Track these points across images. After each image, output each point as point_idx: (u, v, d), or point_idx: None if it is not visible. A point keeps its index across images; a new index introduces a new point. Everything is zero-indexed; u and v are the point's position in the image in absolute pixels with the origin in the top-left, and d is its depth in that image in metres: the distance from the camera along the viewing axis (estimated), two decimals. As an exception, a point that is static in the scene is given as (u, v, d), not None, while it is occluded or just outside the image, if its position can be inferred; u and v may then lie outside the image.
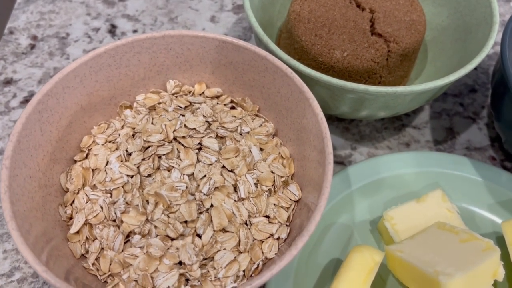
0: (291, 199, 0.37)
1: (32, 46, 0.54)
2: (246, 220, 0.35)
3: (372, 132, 0.49)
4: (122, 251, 0.34)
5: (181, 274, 0.33)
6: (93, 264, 0.34)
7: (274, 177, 0.38)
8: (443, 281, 0.31)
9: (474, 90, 0.52)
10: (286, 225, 0.36)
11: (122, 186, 0.35)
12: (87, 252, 0.35)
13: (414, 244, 0.35)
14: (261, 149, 0.39)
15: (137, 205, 0.34)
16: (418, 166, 0.43)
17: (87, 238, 0.35)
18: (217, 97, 0.43)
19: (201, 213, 0.34)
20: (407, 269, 0.34)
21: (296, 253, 0.30)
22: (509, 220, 0.38)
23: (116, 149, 0.38)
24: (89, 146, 0.39)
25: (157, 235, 0.33)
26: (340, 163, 0.47)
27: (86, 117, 0.40)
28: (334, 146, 0.48)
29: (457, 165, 0.43)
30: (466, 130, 0.49)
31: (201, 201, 0.35)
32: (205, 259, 0.34)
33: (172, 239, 0.34)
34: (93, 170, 0.37)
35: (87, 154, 0.39)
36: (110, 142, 0.39)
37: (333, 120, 0.50)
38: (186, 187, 0.34)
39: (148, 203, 0.34)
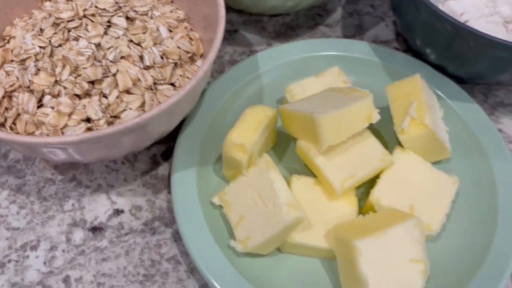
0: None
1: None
2: (151, 86, 0.39)
3: (287, 31, 0.52)
4: (36, 113, 0.37)
5: (89, 128, 0.37)
6: (11, 128, 0.38)
7: (180, 52, 0.41)
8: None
9: (385, -6, 0.56)
10: (191, 92, 0.40)
11: (35, 56, 0.38)
12: (5, 120, 0.38)
13: (304, 101, 0.39)
14: (171, 31, 0.43)
15: (46, 68, 0.37)
16: (321, 51, 0.47)
17: (6, 108, 0.38)
18: (132, -9, 0.46)
19: (107, 77, 0.38)
20: (294, 118, 0.38)
21: (195, 83, 0.34)
22: (392, 84, 0.42)
23: (33, 30, 0.41)
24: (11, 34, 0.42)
25: (66, 95, 0.37)
26: (256, 57, 0.50)
27: (7, 8, 0.43)
28: (251, 43, 0.51)
29: (357, 48, 0.47)
30: (374, 27, 0.53)
31: (107, 67, 0.38)
32: (112, 117, 0.37)
33: (80, 99, 0.37)
34: (12, 50, 0.40)
35: (9, 41, 0.42)
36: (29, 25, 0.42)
37: (252, 21, 0.53)
38: (93, 53, 0.38)
39: (57, 67, 0.37)
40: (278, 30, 0.52)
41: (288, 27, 0.53)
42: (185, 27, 0.43)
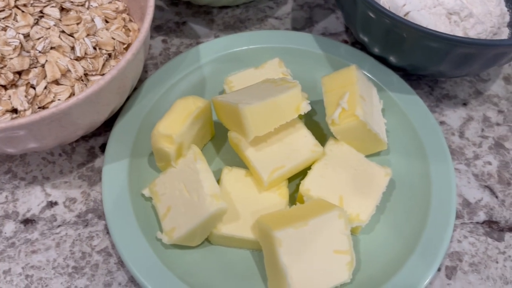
0: (132, 63, 0.41)
1: None
2: (81, 76, 0.38)
3: (236, 23, 0.52)
4: (-38, 106, 0.37)
5: (14, 118, 0.36)
6: None
7: (114, 43, 0.41)
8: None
9: (338, -14, 0.56)
10: (124, 83, 0.40)
11: (-37, 47, 0.38)
12: None
13: (236, 93, 0.39)
14: (108, 22, 0.42)
15: (-28, 59, 0.37)
16: (264, 43, 0.47)
17: None
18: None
19: (35, 67, 0.37)
20: (224, 110, 0.38)
21: (116, 73, 0.33)
22: (328, 75, 0.42)
23: (-36, 20, 0.40)
24: None
25: (-9, 86, 0.36)
26: (203, 49, 0.50)
27: None
28: (199, 35, 0.51)
29: (300, 40, 0.47)
30: (324, 19, 0.53)
31: (36, 57, 0.38)
32: (40, 108, 0.37)
33: (6, 89, 0.37)
34: None
35: None
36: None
37: (201, 13, 0.53)
38: (20, 43, 0.37)
39: (-17, 58, 0.37)
40: (227, 23, 0.52)
41: (237, 20, 0.52)
42: (123, 18, 0.43)
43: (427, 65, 0.42)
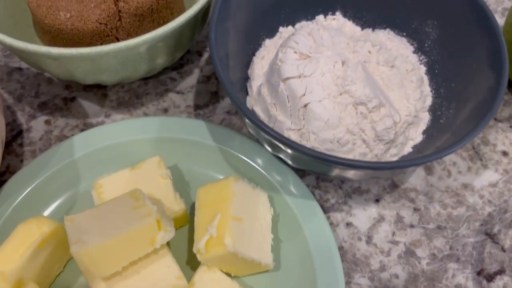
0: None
1: None
2: None
3: (132, 98, 0.47)
4: None
5: None
6: None
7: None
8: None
9: (252, 52, 0.50)
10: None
11: None
12: None
13: (89, 213, 0.33)
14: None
15: None
16: (150, 133, 0.41)
17: None
18: None
19: None
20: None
21: None
22: (205, 185, 0.36)
23: None
24: None
25: None
26: (89, 131, 0.45)
27: None
28: (87, 114, 0.46)
29: (192, 129, 0.42)
30: (231, 94, 0.47)
31: None
32: None
33: None
34: None
35: None
36: None
37: (93, 87, 0.47)
38: None
39: None
40: (121, 98, 0.47)
41: (133, 95, 0.47)
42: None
43: (318, 172, 0.37)
